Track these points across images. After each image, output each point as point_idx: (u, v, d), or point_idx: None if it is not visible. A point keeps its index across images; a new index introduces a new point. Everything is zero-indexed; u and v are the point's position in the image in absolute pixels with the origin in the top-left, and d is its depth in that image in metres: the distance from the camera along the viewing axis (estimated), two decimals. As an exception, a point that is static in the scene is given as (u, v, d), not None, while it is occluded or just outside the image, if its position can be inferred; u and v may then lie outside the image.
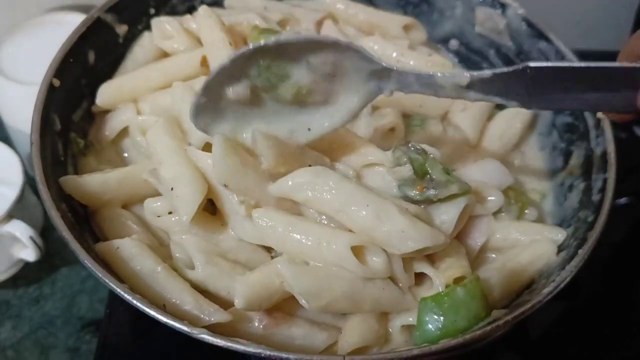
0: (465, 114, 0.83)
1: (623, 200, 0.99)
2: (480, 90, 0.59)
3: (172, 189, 0.65)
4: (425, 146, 0.68)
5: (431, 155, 0.67)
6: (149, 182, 0.67)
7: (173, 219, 0.67)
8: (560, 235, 0.71)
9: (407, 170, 0.65)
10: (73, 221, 0.64)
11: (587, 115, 0.78)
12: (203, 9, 0.80)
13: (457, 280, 0.63)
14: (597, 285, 0.90)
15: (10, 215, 0.83)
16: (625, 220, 0.99)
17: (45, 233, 0.88)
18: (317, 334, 0.63)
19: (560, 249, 0.69)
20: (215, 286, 0.64)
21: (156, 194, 0.69)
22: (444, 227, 0.65)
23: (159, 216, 0.68)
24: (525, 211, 0.75)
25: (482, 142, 0.83)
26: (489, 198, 0.71)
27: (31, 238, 0.83)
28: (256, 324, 0.62)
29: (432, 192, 0.64)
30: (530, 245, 0.70)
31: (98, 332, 0.83)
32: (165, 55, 0.83)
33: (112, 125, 0.78)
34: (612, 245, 0.95)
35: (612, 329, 0.86)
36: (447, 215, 0.65)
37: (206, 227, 0.67)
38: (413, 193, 0.65)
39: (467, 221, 0.69)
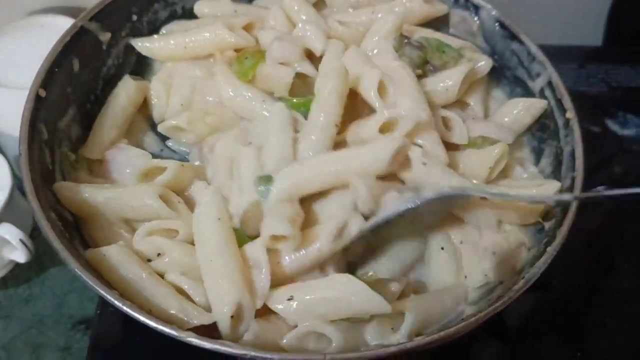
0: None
1: (600, 188, 1.02)
2: None
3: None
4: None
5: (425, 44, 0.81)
6: (135, 207, 0.70)
7: (167, 259, 0.67)
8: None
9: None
10: (62, 230, 0.66)
11: (557, 114, 0.80)
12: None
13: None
14: (572, 273, 0.92)
15: (0, 219, 0.84)
16: (600, 208, 1.02)
17: (35, 233, 0.89)
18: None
19: (530, 246, 0.72)
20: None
21: (143, 219, 0.71)
22: (450, 91, 0.79)
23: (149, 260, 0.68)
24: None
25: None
26: (479, 63, 0.84)
27: (21, 240, 0.85)
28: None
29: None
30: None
31: (89, 330, 0.84)
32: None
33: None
34: (587, 233, 0.97)
35: (586, 316, 0.89)
36: (450, 80, 0.79)
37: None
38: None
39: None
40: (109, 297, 0.59)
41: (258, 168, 0.70)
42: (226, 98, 0.79)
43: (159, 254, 0.68)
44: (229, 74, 0.80)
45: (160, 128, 0.83)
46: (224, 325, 0.62)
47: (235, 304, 0.61)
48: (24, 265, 0.89)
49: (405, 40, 0.83)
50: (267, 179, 0.68)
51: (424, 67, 0.82)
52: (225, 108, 0.80)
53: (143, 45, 0.86)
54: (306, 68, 0.79)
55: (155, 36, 0.88)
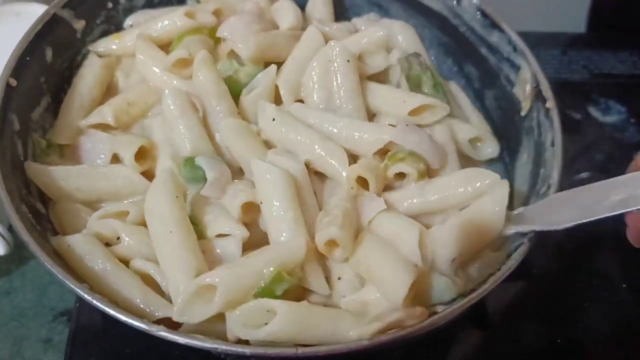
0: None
1: (584, 175, 1.03)
2: None
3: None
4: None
5: (428, 73, 0.80)
6: (105, 180, 0.70)
7: (126, 244, 0.67)
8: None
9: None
10: (34, 222, 0.65)
11: (538, 104, 0.80)
12: None
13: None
14: (553, 259, 0.92)
15: (-24, 211, 0.83)
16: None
17: (14, 225, 0.89)
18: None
19: (500, 243, 0.72)
20: None
21: (112, 196, 0.70)
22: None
23: (106, 243, 0.68)
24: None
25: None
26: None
27: (-1, 233, 0.85)
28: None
29: None
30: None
31: (70, 322, 0.84)
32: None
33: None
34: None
35: (566, 302, 0.89)
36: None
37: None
38: None
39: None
40: (79, 291, 0.58)
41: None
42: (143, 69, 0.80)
43: (118, 238, 0.67)
44: (149, 46, 0.80)
45: (82, 124, 0.78)
46: (180, 301, 0.60)
47: (196, 276, 0.60)
48: (4, 258, 0.88)
49: (419, 57, 0.82)
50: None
51: (419, 84, 0.80)
52: (148, 92, 0.79)
53: (101, 51, 0.84)
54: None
55: (114, 40, 0.85)
